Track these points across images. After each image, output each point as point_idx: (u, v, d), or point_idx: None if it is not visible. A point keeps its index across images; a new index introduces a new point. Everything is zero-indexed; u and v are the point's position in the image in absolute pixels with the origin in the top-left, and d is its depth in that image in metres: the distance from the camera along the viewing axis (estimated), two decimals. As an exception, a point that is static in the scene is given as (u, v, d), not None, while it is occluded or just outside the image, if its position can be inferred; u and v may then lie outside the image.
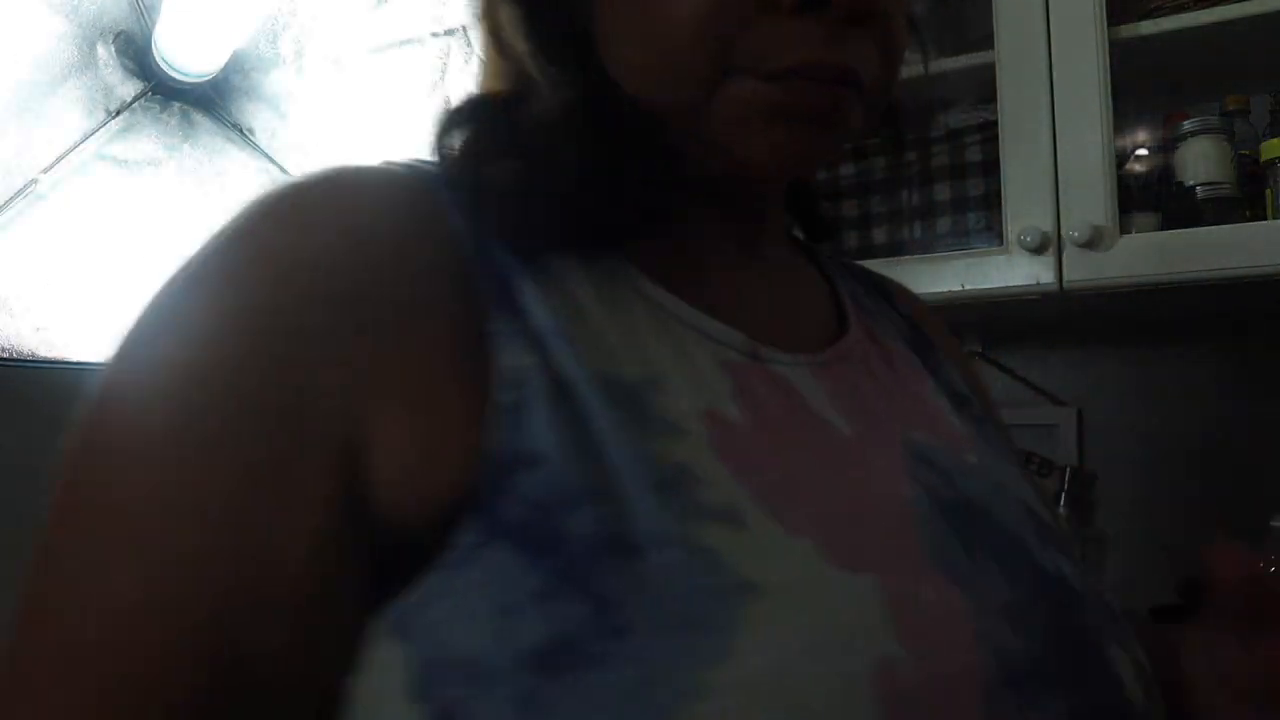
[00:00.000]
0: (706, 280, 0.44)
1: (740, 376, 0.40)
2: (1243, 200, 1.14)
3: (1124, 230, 1.13)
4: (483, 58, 0.46)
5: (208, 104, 1.16)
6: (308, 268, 0.35)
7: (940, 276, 1.21)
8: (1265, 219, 1.11)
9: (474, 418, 0.34)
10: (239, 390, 0.33)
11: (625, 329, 0.38)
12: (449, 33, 1.30)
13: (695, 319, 0.41)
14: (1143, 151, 1.23)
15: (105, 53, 1.07)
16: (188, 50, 1.10)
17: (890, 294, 0.59)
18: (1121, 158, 1.20)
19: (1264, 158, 1.13)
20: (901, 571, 0.36)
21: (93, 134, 1.06)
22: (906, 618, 0.34)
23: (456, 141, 0.41)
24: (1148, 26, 1.14)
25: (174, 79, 1.11)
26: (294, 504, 0.32)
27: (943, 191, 1.32)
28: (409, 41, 1.28)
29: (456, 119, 0.42)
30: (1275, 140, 1.12)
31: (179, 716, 0.30)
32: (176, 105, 1.13)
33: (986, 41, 1.21)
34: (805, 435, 0.40)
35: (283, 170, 1.20)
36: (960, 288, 1.21)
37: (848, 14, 0.37)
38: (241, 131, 1.18)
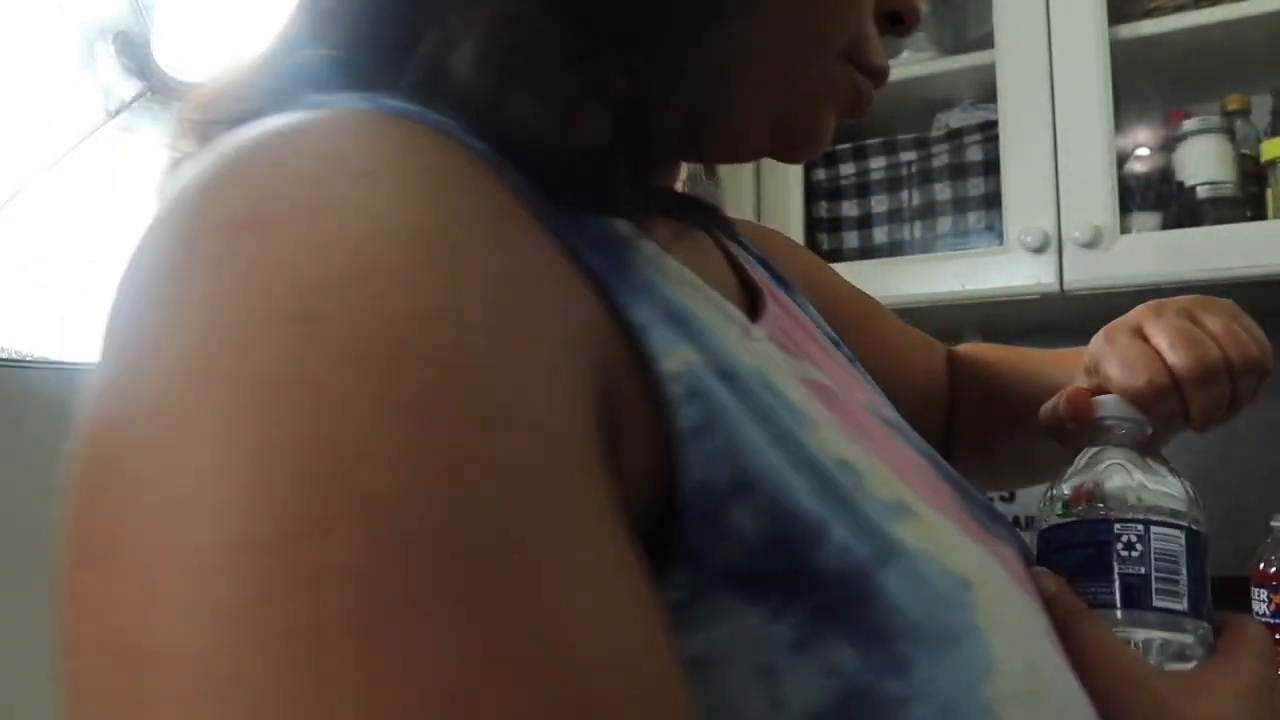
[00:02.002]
0: (674, 251, 0.35)
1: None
2: (1243, 200, 1.14)
3: (1124, 230, 1.13)
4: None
5: (207, 104, 1.16)
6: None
7: (940, 276, 1.21)
8: (1266, 219, 1.11)
9: (650, 434, 0.27)
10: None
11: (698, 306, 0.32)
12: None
13: (715, 296, 0.35)
14: (1143, 151, 1.23)
15: (104, 52, 1.07)
16: (187, 50, 1.10)
17: (735, 234, 0.48)
18: (1122, 158, 1.20)
19: (1264, 157, 1.13)
20: (974, 531, 0.35)
21: (92, 134, 1.06)
22: (1024, 584, 0.34)
23: (519, 102, 0.29)
24: (1148, 26, 1.14)
25: (173, 79, 1.11)
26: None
27: (943, 191, 1.32)
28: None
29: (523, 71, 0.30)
30: (1276, 140, 1.12)
31: None
32: (176, 105, 1.13)
33: (986, 41, 1.21)
34: (844, 407, 0.37)
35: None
36: (960, 288, 1.21)
37: (903, 34, 0.42)
38: (241, 131, 1.18)
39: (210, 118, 0.33)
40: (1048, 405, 0.48)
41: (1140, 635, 0.38)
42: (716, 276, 0.42)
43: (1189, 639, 0.39)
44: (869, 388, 0.46)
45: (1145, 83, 1.23)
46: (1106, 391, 0.45)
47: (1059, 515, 0.43)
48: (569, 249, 0.28)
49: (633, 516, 0.24)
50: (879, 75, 0.40)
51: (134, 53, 1.10)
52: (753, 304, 0.43)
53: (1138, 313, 0.49)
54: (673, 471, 0.26)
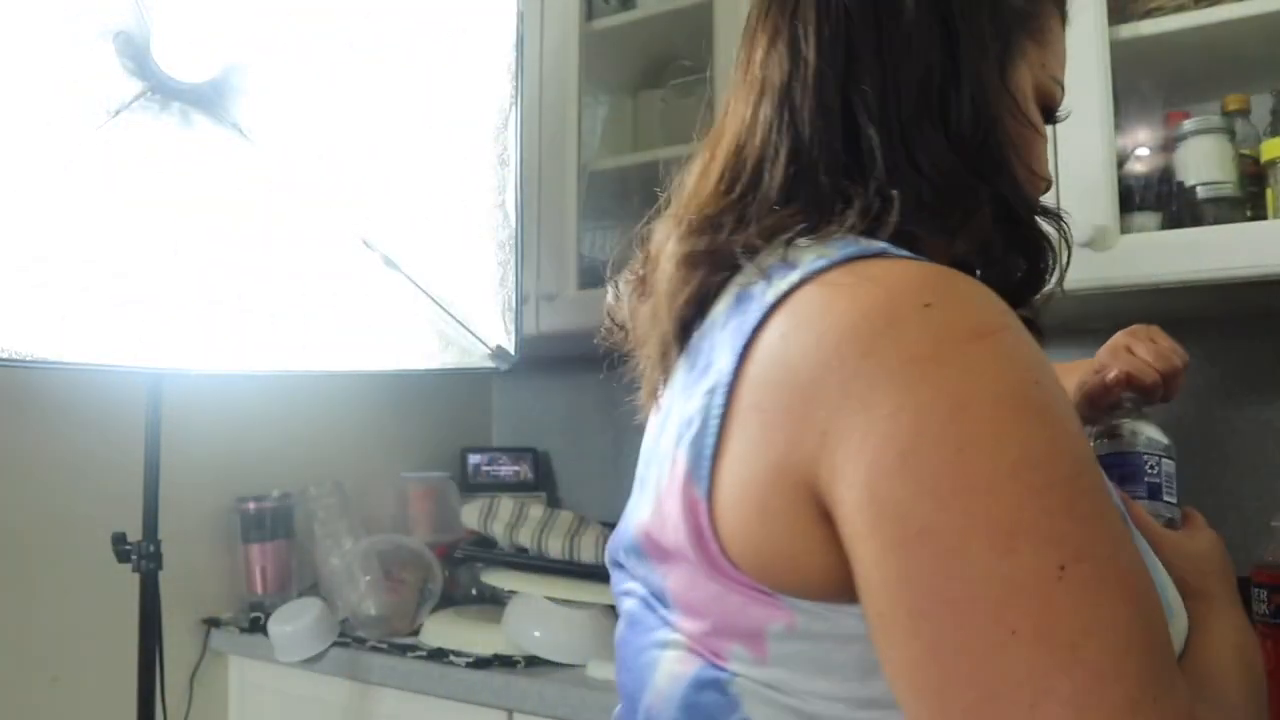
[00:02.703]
0: None
1: None
2: (1243, 200, 1.14)
3: (1124, 230, 1.13)
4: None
5: (207, 104, 1.16)
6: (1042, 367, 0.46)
7: (940, 276, 1.20)
8: (1265, 219, 1.11)
9: None
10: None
11: None
12: (449, 33, 1.30)
13: None
14: (1143, 151, 1.23)
15: (105, 52, 1.07)
16: (187, 50, 1.10)
17: None
18: (1122, 158, 1.20)
19: (1264, 157, 1.13)
20: None
21: (92, 134, 1.06)
22: None
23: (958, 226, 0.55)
24: (1148, 26, 1.14)
25: (173, 79, 1.11)
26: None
27: (943, 191, 1.31)
28: (409, 42, 1.28)
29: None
30: (1276, 140, 1.12)
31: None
32: (176, 105, 1.13)
33: (987, 41, 1.21)
34: None
35: (283, 170, 1.20)
36: (960, 288, 1.21)
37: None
38: (241, 131, 1.18)
39: (750, 245, 0.53)
40: (1094, 384, 0.80)
41: (1158, 512, 0.71)
42: None
43: (1177, 516, 0.73)
44: None
45: (1145, 83, 1.23)
46: (1132, 378, 0.78)
47: (1103, 451, 0.76)
48: None
49: None
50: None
51: (134, 53, 1.10)
52: None
53: (1122, 338, 0.83)
54: None
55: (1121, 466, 0.74)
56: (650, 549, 0.55)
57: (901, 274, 0.46)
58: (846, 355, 0.44)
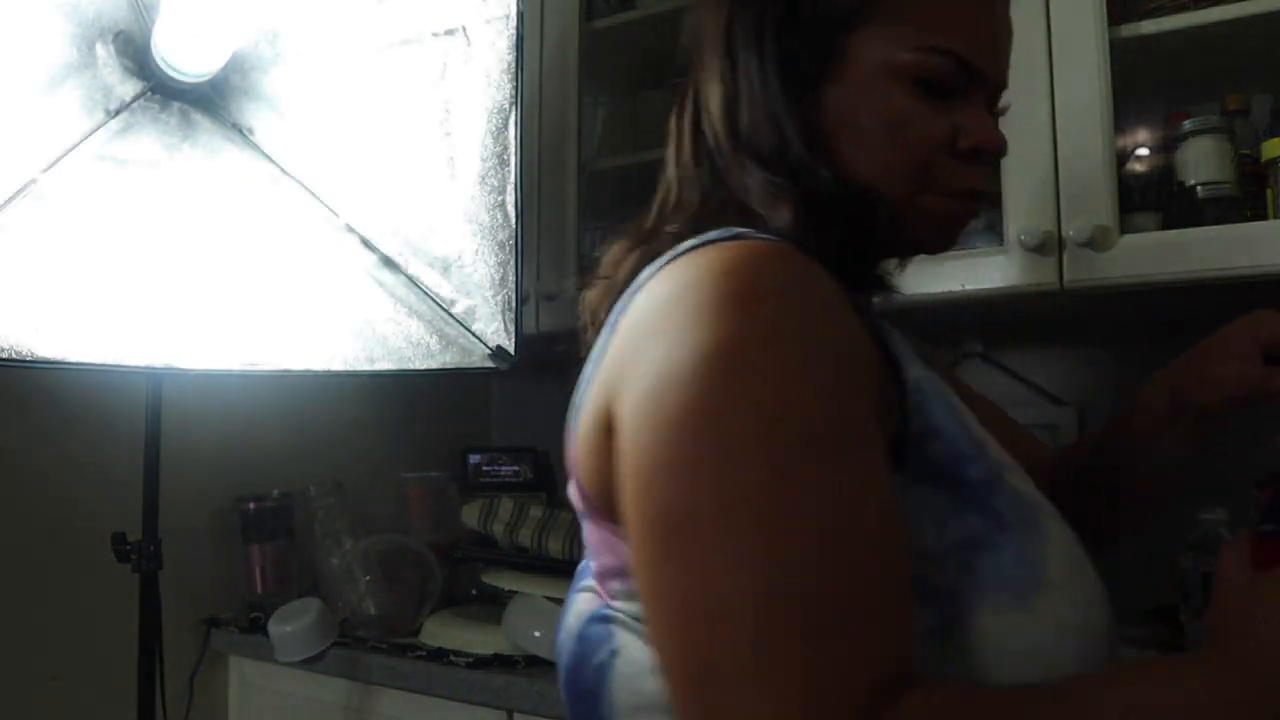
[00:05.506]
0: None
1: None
2: (1243, 200, 1.14)
3: (1124, 230, 1.13)
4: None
5: (208, 104, 1.16)
6: (833, 325, 0.53)
7: (940, 276, 1.21)
8: (1266, 219, 1.11)
9: (894, 407, 0.57)
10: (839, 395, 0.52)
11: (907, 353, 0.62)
12: (449, 33, 1.30)
13: (917, 344, 0.66)
14: (1143, 151, 1.23)
15: (105, 52, 1.07)
16: (187, 50, 1.10)
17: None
18: (1122, 158, 1.20)
19: (1265, 157, 1.13)
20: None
21: (92, 134, 1.06)
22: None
23: (784, 216, 0.61)
24: (1148, 26, 1.14)
25: (173, 79, 1.11)
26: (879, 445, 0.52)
27: (943, 191, 1.31)
28: (409, 41, 1.28)
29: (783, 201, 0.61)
30: (1276, 140, 1.12)
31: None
32: (176, 105, 1.13)
33: (987, 41, 1.21)
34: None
35: (283, 171, 1.20)
36: (960, 288, 1.21)
37: (989, 160, 0.65)
38: (241, 131, 1.18)
39: (680, 232, 0.62)
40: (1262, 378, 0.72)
41: None
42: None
43: None
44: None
45: (1145, 83, 1.23)
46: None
47: None
48: (868, 318, 0.59)
49: (888, 448, 0.53)
50: (970, 194, 0.64)
51: (134, 53, 1.10)
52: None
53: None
54: (906, 424, 0.57)
55: None
56: (580, 508, 0.63)
57: (725, 250, 0.55)
58: (656, 310, 0.54)
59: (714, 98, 0.66)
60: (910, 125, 0.62)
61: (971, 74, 0.63)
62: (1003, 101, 0.68)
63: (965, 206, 0.65)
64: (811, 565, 0.45)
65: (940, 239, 0.66)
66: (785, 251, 0.55)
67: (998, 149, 0.64)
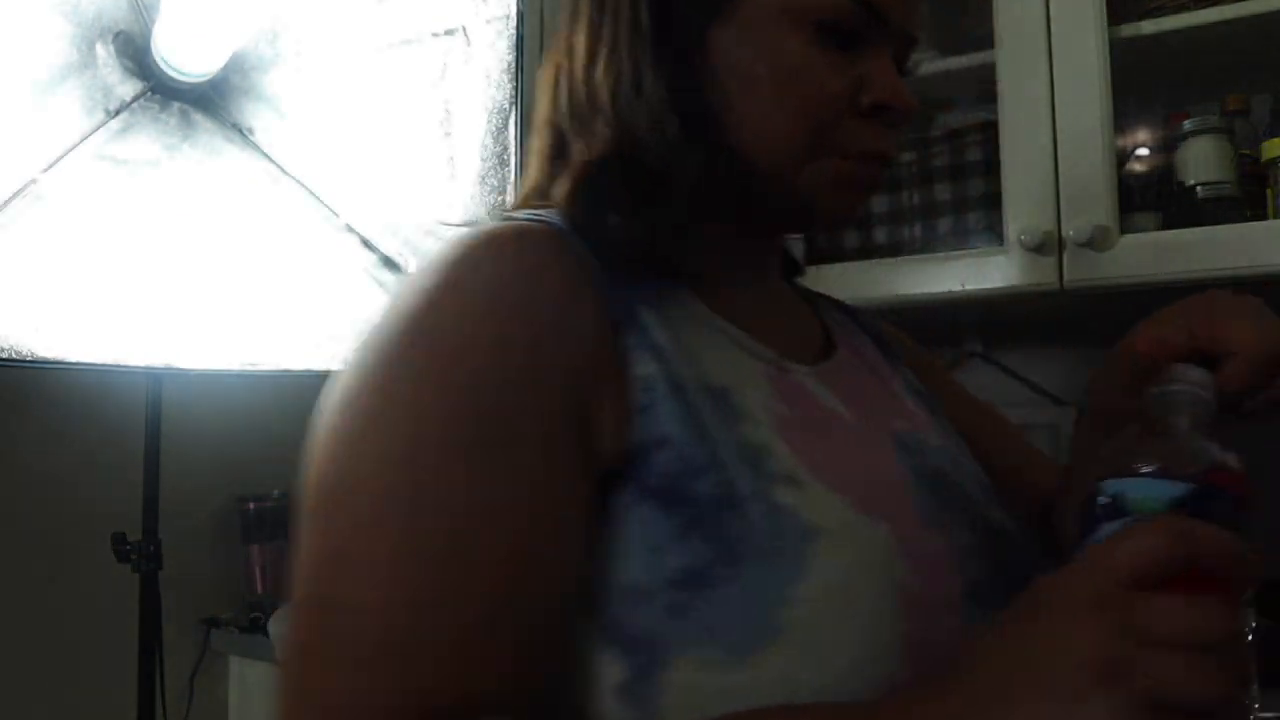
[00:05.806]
0: (736, 305, 0.58)
1: (776, 382, 0.55)
2: (1243, 200, 1.14)
3: (1124, 230, 1.13)
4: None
5: (207, 104, 1.16)
6: (535, 302, 0.49)
7: (940, 276, 1.21)
8: (1266, 219, 1.11)
9: (621, 410, 0.48)
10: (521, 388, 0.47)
11: (702, 345, 0.54)
12: (449, 33, 1.30)
13: (740, 338, 0.56)
14: (1143, 151, 1.23)
15: (104, 52, 1.07)
16: (187, 50, 1.10)
17: (854, 313, 0.74)
18: (1122, 158, 1.20)
19: (1265, 157, 1.13)
20: (903, 523, 0.51)
21: (92, 134, 1.06)
22: (910, 555, 0.49)
23: (583, 197, 0.55)
24: (1148, 26, 1.14)
25: (173, 79, 1.11)
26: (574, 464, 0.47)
27: (943, 191, 1.32)
28: (409, 41, 1.28)
29: (589, 179, 0.55)
30: (1276, 140, 1.12)
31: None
32: (176, 105, 1.13)
33: (986, 41, 1.21)
34: (827, 425, 0.55)
35: (283, 171, 1.20)
36: (960, 288, 1.21)
37: (897, 121, 0.57)
38: (241, 131, 1.18)
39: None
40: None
41: None
42: (779, 325, 0.62)
43: None
44: (929, 423, 0.63)
45: (1145, 83, 1.23)
46: None
47: None
48: (617, 304, 0.51)
49: (606, 455, 0.47)
50: (872, 156, 0.57)
51: (134, 53, 1.09)
52: (827, 344, 0.65)
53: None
54: (630, 429, 0.48)
55: None
56: None
57: (463, 238, 0.52)
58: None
59: (579, 49, 0.58)
60: (808, 76, 0.54)
61: (877, 19, 0.55)
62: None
63: (867, 170, 0.57)
64: (381, 580, 0.43)
65: (838, 209, 0.58)
66: (520, 234, 0.51)
67: (906, 107, 0.56)
